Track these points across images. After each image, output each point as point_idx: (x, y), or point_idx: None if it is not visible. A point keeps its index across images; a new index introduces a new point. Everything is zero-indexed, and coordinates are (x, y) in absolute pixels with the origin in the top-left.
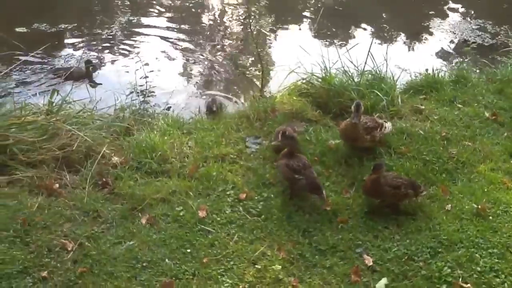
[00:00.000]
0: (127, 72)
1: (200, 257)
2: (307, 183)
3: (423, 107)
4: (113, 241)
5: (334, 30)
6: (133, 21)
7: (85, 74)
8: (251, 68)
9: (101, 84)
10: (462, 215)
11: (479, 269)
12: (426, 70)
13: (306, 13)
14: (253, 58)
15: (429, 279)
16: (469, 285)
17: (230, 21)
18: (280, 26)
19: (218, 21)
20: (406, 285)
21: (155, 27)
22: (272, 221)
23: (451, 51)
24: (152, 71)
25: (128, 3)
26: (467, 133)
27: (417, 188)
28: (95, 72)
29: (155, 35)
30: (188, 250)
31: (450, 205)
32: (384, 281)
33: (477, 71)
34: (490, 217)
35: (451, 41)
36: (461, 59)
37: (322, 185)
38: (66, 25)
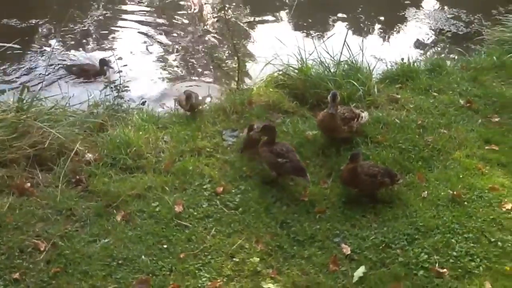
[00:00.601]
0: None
1: (177, 253)
2: (291, 166)
3: (399, 96)
4: (87, 239)
5: (310, 21)
6: (106, 15)
7: (100, 72)
8: (228, 60)
9: (114, 82)
10: (438, 202)
11: (455, 254)
12: (402, 59)
13: (282, 4)
14: (229, 51)
15: (406, 266)
16: (445, 270)
17: (206, 14)
18: (256, 17)
19: (194, 14)
20: (384, 273)
21: (129, 21)
22: (249, 213)
23: (426, 40)
24: (126, 65)
25: None
26: (443, 121)
27: (393, 176)
28: (108, 70)
29: (129, 29)
30: (165, 246)
31: (426, 192)
32: (362, 269)
33: (452, 59)
34: (466, 203)
35: (426, 31)
36: (436, 48)
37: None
38: (37, 20)
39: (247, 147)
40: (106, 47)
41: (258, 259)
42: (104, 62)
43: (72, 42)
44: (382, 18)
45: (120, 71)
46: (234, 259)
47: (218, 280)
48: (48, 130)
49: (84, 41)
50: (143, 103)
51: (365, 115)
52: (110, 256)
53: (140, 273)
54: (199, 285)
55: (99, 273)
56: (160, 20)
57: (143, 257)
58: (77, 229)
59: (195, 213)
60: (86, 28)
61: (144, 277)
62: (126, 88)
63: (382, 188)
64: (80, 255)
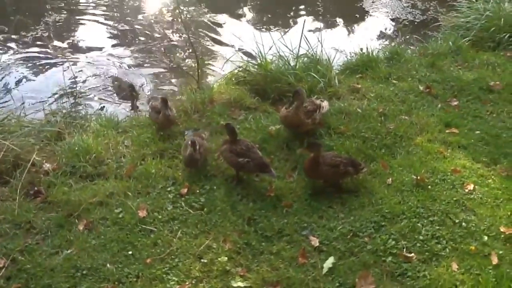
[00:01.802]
0: (55, 74)
1: (143, 258)
2: (254, 164)
3: (359, 86)
4: (49, 251)
5: (269, 16)
6: (60, 20)
7: (129, 97)
8: (188, 60)
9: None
10: (402, 187)
11: (421, 237)
12: (361, 49)
13: (239, 1)
14: (189, 51)
15: (374, 253)
16: (413, 254)
17: (162, 14)
18: (213, 15)
19: (149, 15)
20: (353, 261)
21: (83, 24)
22: (216, 213)
23: (384, 30)
24: (81, 70)
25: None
26: (403, 108)
27: (357, 165)
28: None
29: (83, 33)
30: (130, 252)
31: (390, 178)
32: (331, 260)
33: (410, 47)
34: (429, 187)
35: (384, 20)
36: (395, 37)
37: (269, 162)
38: None
39: (192, 163)
40: (60, 53)
41: (227, 258)
42: (132, 88)
43: (25, 50)
44: (340, 10)
45: (75, 77)
46: (202, 260)
47: (187, 283)
48: (2, 142)
49: (36, 47)
50: (102, 108)
51: (325, 104)
52: (74, 267)
53: (106, 282)
54: None
55: (63, 285)
56: (117, 24)
57: (108, 265)
58: (38, 242)
59: (160, 217)
60: (38, 34)
61: (110, 286)
62: (83, 94)
63: (346, 177)
64: (42, 268)
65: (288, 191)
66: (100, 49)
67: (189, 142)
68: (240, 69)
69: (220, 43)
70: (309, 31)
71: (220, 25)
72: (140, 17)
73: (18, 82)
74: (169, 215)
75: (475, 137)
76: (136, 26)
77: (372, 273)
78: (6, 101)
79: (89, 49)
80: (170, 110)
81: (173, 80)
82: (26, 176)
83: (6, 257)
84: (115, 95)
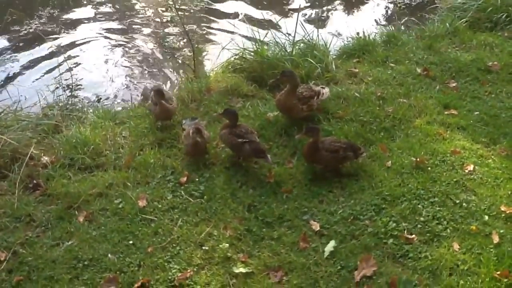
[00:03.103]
0: (51, 67)
1: (144, 247)
2: (251, 148)
3: (357, 70)
4: (50, 243)
5: (265, 3)
6: (54, 14)
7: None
8: (185, 49)
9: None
10: (402, 170)
11: (422, 219)
12: (358, 34)
13: None
14: (184, 40)
15: (375, 236)
16: (414, 235)
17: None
18: (208, 2)
19: (144, 4)
20: (354, 245)
21: (78, 17)
22: (215, 200)
23: (381, 13)
24: (77, 63)
25: None
26: (401, 91)
27: (356, 149)
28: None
29: (77, 26)
30: (131, 242)
31: (390, 161)
32: (332, 243)
33: (407, 30)
34: (429, 168)
35: (381, 3)
36: (391, 20)
37: (266, 148)
38: None
39: (197, 151)
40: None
41: (228, 245)
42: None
43: (20, 43)
44: None
45: (71, 69)
46: (203, 247)
47: (189, 270)
48: None
49: (30, 41)
50: (98, 100)
51: (325, 91)
52: (75, 258)
53: (107, 272)
54: (169, 277)
55: (65, 277)
56: (112, 15)
57: (109, 255)
58: (38, 234)
59: (160, 206)
60: (32, 29)
61: (112, 276)
62: (79, 87)
63: (345, 162)
64: (43, 260)
65: (287, 177)
66: (95, 40)
67: (192, 130)
68: (237, 56)
69: (215, 30)
70: (305, 16)
71: (214, 13)
72: (136, 7)
73: (13, 77)
74: (169, 204)
75: (474, 118)
76: (133, 19)
77: (374, 255)
78: (2, 96)
79: (84, 41)
80: (170, 100)
81: (169, 70)
82: (25, 170)
83: (7, 250)
84: (110, 87)
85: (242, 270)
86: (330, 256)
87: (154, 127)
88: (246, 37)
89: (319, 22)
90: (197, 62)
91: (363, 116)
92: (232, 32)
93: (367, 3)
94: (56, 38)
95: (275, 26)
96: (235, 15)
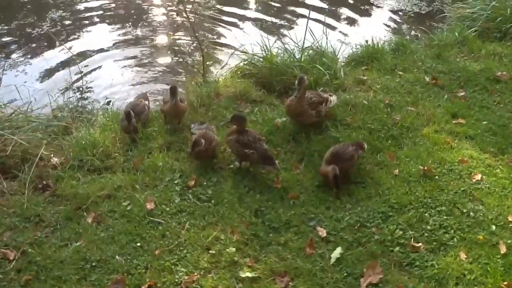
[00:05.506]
0: (62, 69)
1: (151, 250)
2: (258, 156)
3: (365, 77)
4: (58, 244)
5: (275, 9)
6: (66, 17)
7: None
8: (195, 53)
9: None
10: (409, 178)
11: (429, 227)
12: (366, 41)
13: None
14: (194, 45)
15: (382, 243)
16: (420, 244)
17: (167, 7)
18: (218, 8)
19: (154, 9)
20: (361, 252)
21: (88, 19)
22: (223, 205)
23: (390, 21)
24: (88, 66)
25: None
26: (410, 99)
27: (362, 145)
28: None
29: (89, 29)
30: (139, 244)
31: (397, 169)
32: (338, 250)
33: (416, 38)
34: (436, 177)
35: (390, 12)
36: (400, 28)
37: (274, 155)
38: None
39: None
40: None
41: (235, 249)
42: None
43: (32, 45)
44: (345, 1)
45: (81, 72)
46: (210, 251)
47: (195, 274)
48: (10, 137)
49: (42, 44)
50: (108, 103)
51: (333, 98)
52: (83, 259)
53: (115, 273)
54: (176, 280)
55: (73, 277)
56: (123, 19)
57: (117, 257)
58: (47, 234)
59: (168, 209)
60: (43, 31)
61: (119, 277)
62: (89, 89)
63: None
64: (51, 260)
65: (295, 183)
66: (106, 44)
67: (195, 139)
68: (246, 62)
69: (225, 36)
70: (314, 23)
71: (224, 19)
72: (147, 11)
73: (24, 78)
74: (177, 207)
75: (482, 128)
76: (144, 22)
77: (380, 263)
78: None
79: (95, 45)
80: (182, 101)
81: (178, 74)
82: (35, 170)
83: (16, 250)
84: (120, 90)
85: (249, 274)
86: (336, 263)
87: (163, 130)
88: (255, 43)
89: (328, 29)
90: (206, 67)
91: (371, 123)
92: (241, 38)
93: (376, 10)
94: (68, 41)
95: (284, 33)
96: (244, 21)
